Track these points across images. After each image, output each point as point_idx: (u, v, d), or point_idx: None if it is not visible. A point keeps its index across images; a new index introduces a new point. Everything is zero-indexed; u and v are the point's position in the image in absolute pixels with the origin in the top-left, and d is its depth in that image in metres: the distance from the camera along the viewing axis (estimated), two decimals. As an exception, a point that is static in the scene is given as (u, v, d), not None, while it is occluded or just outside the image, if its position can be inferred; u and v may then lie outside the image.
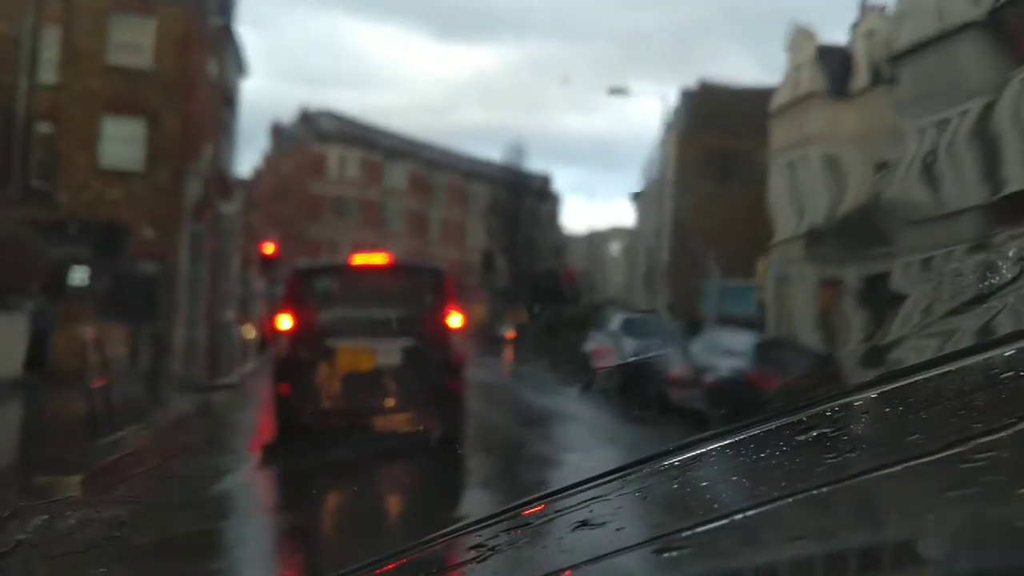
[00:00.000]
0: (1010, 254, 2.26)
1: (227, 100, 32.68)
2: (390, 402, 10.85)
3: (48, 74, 22.18)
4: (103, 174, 22.80)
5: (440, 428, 10.81)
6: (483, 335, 34.70)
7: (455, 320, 11.25)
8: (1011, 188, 15.51)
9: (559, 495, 2.47)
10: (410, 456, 9.74)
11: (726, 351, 14.90)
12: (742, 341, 15.33)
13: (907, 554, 3.39)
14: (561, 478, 9.11)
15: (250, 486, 9.65)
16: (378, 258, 13.16)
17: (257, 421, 13.73)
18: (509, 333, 35.33)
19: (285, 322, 11.11)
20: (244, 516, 7.77)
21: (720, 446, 2.15)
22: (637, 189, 43.32)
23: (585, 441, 12.77)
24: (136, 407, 12.84)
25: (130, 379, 14.77)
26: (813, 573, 3.28)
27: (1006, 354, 1.97)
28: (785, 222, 26.84)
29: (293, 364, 10.86)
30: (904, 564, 3.33)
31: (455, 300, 11.69)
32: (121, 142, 23.27)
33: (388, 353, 10.84)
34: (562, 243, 52.72)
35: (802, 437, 2.20)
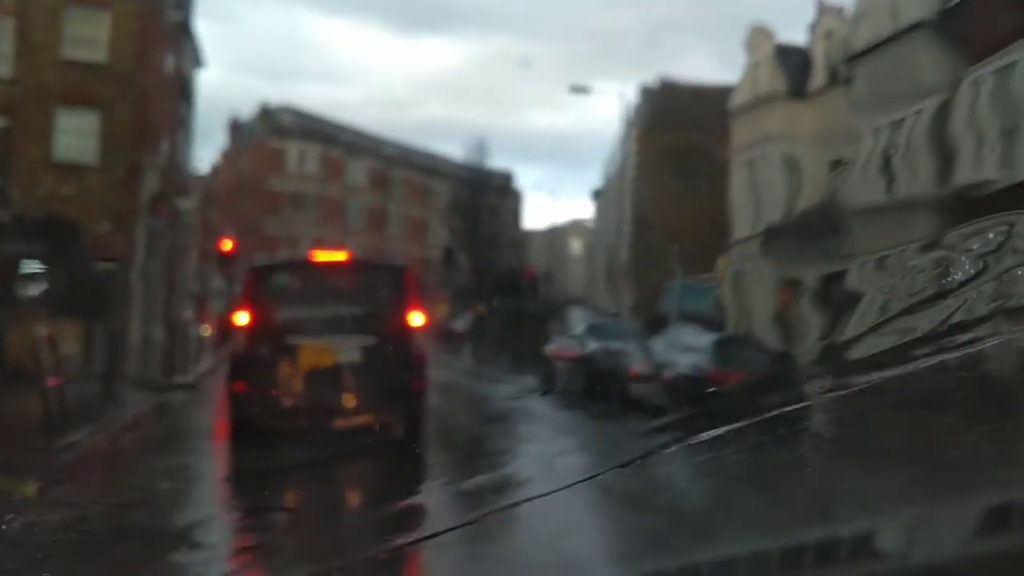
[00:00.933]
0: (973, 248, 2.28)
1: (184, 94, 32.27)
2: (350, 401, 10.74)
3: (2, 67, 21.79)
4: (57, 168, 22.40)
5: (401, 427, 10.76)
6: (444, 333, 34.66)
7: (416, 318, 11.18)
8: (962, 184, 15.77)
9: (521, 503, 2.47)
10: (370, 455, 9.69)
11: (686, 348, 14.99)
12: (702, 339, 15.43)
13: (863, 548, 3.43)
14: (523, 474, 9.12)
15: (206, 485, 9.54)
16: (338, 255, 13.02)
17: (213, 420, 13.58)
18: (457, 328, 35.25)
19: (242, 319, 10.95)
20: (201, 515, 7.68)
21: (682, 447, 2.16)
22: (598, 187, 43.51)
23: (545, 437, 12.78)
24: (91, 406, 12.65)
25: (85, 378, 14.54)
26: (770, 567, 3.31)
27: (960, 354, 2.00)
28: (745, 220, 27.09)
29: (250, 362, 10.72)
30: (860, 558, 3.36)
31: (416, 298, 11.61)
32: (76, 136, 22.88)
33: (348, 351, 10.74)
34: (522, 240, 52.76)
35: (763, 436, 2.22)
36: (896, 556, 3.35)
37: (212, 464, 10.92)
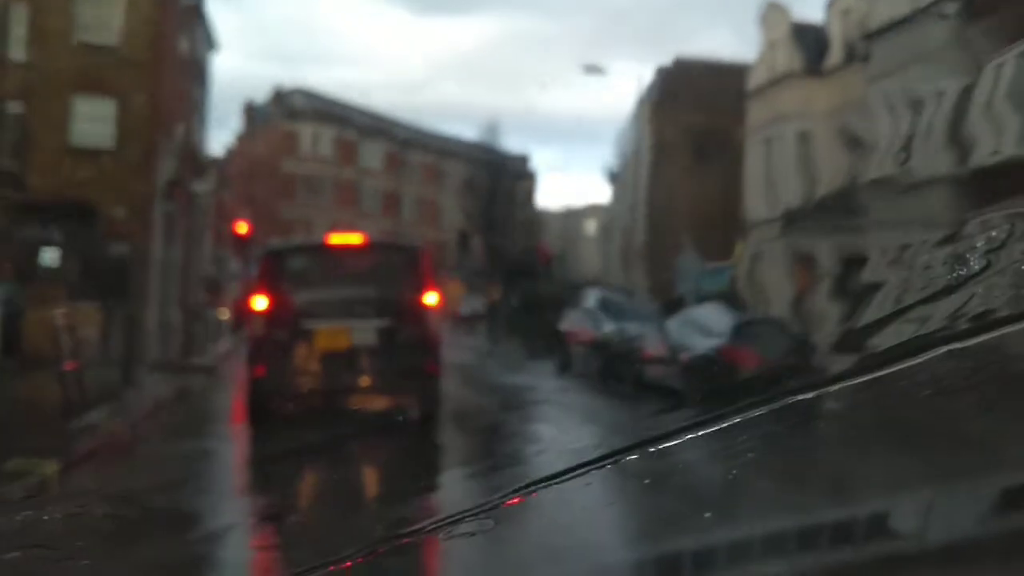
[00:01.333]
0: (978, 245, 2.27)
1: (198, 78, 32.32)
2: (366, 382, 10.82)
3: (17, 53, 21.85)
4: (73, 154, 22.51)
5: (417, 408, 10.81)
6: (459, 315, 34.75)
7: (431, 299, 11.21)
8: (981, 164, 15.62)
9: (538, 486, 2.47)
10: (387, 437, 9.74)
11: (706, 329, 14.92)
12: (720, 320, 15.37)
13: (879, 528, 3.45)
14: (538, 456, 9.15)
15: (226, 467, 9.62)
16: (353, 237, 13.04)
17: (232, 403, 13.67)
18: (472, 310, 35.28)
19: (260, 303, 11.01)
20: (220, 498, 7.74)
21: (699, 435, 2.16)
22: (613, 168, 43.35)
23: (560, 419, 12.82)
24: (109, 390, 12.75)
25: (103, 362, 14.65)
26: (787, 547, 3.32)
27: (978, 340, 2.00)
28: (761, 199, 26.95)
29: (268, 345, 10.79)
30: (876, 538, 3.38)
31: (431, 279, 11.63)
32: (92, 121, 22.96)
33: (364, 333, 10.80)
34: (537, 221, 52.70)
35: (780, 421, 2.22)
36: (912, 536, 3.37)
37: (232, 447, 11.00)
